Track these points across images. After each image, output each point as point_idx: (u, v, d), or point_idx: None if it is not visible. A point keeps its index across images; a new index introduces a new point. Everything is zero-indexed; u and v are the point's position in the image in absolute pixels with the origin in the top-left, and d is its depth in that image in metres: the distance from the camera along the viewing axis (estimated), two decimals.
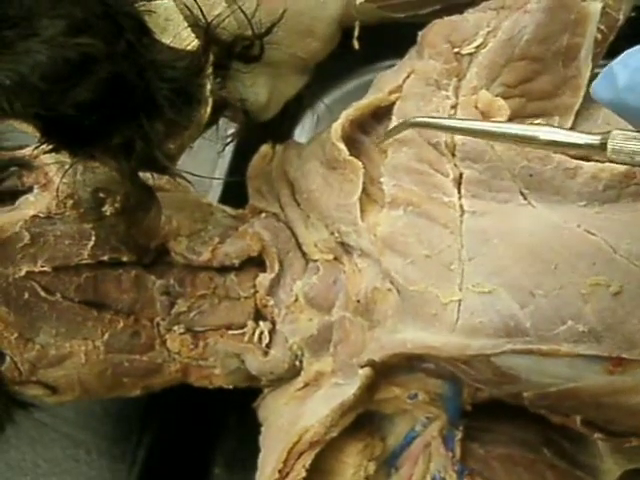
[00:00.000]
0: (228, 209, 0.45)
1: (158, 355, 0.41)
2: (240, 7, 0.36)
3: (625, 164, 0.27)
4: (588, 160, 0.37)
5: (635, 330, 0.34)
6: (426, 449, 0.41)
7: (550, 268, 0.35)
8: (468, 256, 0.36)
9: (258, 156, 0.44)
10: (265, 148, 0.44)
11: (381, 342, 0.38)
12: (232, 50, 0.37)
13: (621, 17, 0.39)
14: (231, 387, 0.43)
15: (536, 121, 0.39)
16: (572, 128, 0.34)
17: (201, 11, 0.35)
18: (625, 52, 0.24)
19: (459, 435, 0.41)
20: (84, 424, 0.48)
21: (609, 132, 0.27)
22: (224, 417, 0.52)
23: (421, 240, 0.37)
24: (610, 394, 0.35)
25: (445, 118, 0.36)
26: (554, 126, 0.32)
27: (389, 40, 0.45)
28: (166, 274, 0.41)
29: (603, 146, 0.28)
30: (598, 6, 0.38)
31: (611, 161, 0.28)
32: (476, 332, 0.35)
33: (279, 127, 0.44)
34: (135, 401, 0.47)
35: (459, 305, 0.35)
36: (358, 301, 0.39)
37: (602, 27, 0.39)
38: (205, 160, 0.52)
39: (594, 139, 0.28)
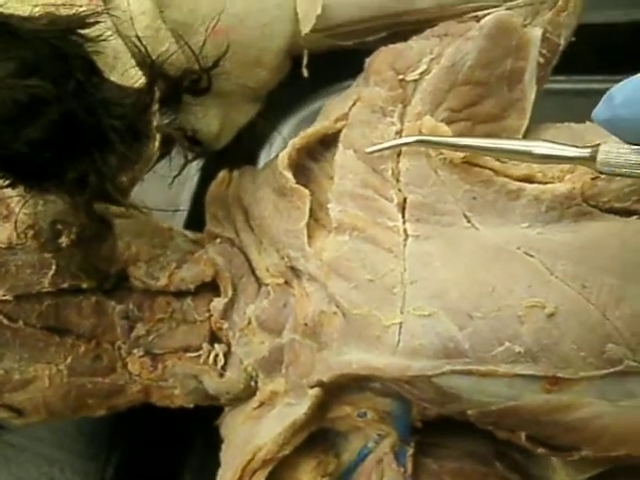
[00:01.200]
0: (189, 233, 0.46)
1: (120, 377, 0.43)
2: (187, 42, 0.38)
3: (612, 175, 0.30)
4: (531, 182, 0.38)
5: (569, 350, 0.34)
6: (379, 465, 0.41)
7: (488, 290, 0.36)
8: (410, 279, 0.37)
9: (216, 182, 0.45)
10: (223, 174, 0.45)
11: (328, 363, 0.39)
12: (180, 84, 0.38)
13: (562, 42, 0.40)
14: (192, 406, 0.44)
15: None
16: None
17: (145, 49, 0.36)
18: (624, 80, 0.27)
19: (410, 451, 0.42)
20: (58, 443, 0.50)
21: (598, 145, 0.30)
22: (191, 436, 0.53)
23: (365, 265, 0.38)
24: (548, 412, 0.35)
25: (446, 136, 0.37)
26: (548, 140, 0.33)
27: (349, 63, 0.45)
28: (126, 299, 0.43)
29: (593, 158, 0.30)
30: (538, 32, 0.39)
31: (600, 172, 0.30)
32: (416, 354, 0.36)
33: (238, 154, 0.45)
34: (107, 420, 0.48)
35: (400, 328, 0.36)
36: (306, 324, 0.40)
37: (544, 51, 0.39)
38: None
39: (584, 152, 0.31)
